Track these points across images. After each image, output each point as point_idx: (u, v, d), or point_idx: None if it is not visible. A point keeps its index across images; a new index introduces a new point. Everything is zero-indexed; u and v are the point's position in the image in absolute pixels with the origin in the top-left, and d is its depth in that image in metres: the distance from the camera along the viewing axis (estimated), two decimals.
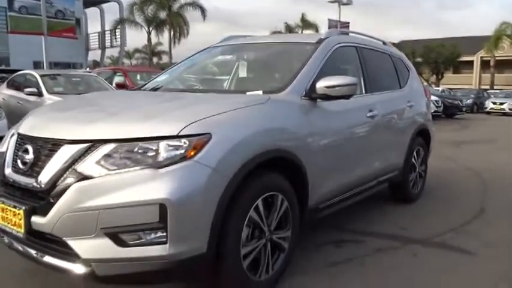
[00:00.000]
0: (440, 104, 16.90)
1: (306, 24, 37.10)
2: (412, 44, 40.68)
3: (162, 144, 2.00)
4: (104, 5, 30.51)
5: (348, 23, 27.35)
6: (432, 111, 16.27)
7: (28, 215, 2.05)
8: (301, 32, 36.93)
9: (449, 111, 18.06)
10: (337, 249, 3.16)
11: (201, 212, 1.99)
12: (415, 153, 4.34)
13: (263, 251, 2.38)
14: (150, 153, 1.99)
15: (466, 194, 4.91)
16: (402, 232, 3.56)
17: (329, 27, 25.81)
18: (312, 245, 3.19)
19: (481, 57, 43.04)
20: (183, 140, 2.02)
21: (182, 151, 1.99)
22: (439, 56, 37.98)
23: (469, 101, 23.38)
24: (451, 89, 27.64)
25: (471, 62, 44.00)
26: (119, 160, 1.98)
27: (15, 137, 2.40)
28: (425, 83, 30.04)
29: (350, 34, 3.91)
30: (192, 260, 1.99)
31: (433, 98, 16.75)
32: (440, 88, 25.90)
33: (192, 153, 1.99)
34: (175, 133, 2.02)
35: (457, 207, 4.35)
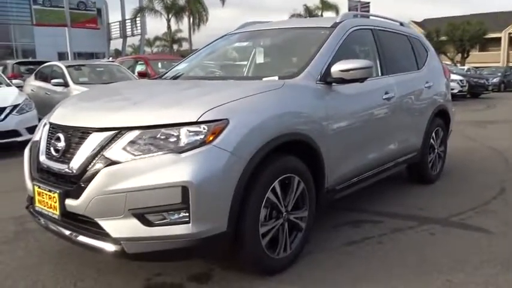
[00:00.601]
0: (465, 84, 16.55)
1: (325, 5, 36.47)
2: (436, 22, 39.55)
3: (183, 130, 2.12)
4: None
5: (369, 3, 26.81)
6: (456, 91, 16.07)
7: (62, 198, 2.22)
8: (321, 13, 36.39)
9: (474, 90, 17.65)
10: (355, 229, 3.24)
11: (221, 193, 2.11)
12: (433, 134, 4.35)
13: (281, 230, 2.49)
14: (172, 139, 2.12)
15: (486, 173, 4.88)
16: (420, 212, 3.61)
17: (349, 8, 25.35)
18: (330, 225, 3.28)
19: (509, 33, 41.51)
20: (202, 125, 2.13)
21: (202, 136, 2.11)
22: (465, 34, 36.74)
23: (496, 80, 22.71)
24: (477, 67, 26.88)
25: (498, 39, 42.42)
26: (143, 146, 2.12)
27: (47, 126, 2.58)
28: (449, 62, 29.28)
29: (366, 17, 3.91)
30: (213, 238, 2.12)
31: (457, 77, 16.43)
32: (465, 67, 25.22)
33: (211, 138, 2.11)
34: (194, 119, 2.14)
35: (477, 187, 4.35)
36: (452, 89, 15.20)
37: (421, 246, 2.93)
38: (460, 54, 39.55)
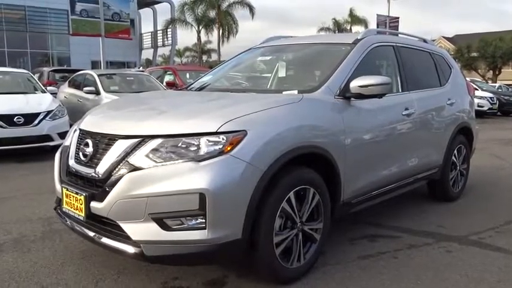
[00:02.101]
0: (495, 101, 16.20)
1: (354, 19, 36.43)
2: (467, 38, 38.77)
3: (203, 140, 2.23)
4: (157, 6, 31.77)
5: (398, 18, 26.65)
6: (486, 108, 15.71)
7: (88, 201, 2.35)
8: (350, 28, 36.35)
9: (505, 108, 17.28)
10: (371, 243, 3.25)
11: (236, 201, 2.19)
12: (455, 151, 4.31)
13: (295, 240, 2.54)
14: (192, 148, 2.22)
15: (510, 192, 4.78)
16: (439, 229, 3.58)
17: (377, 23, 25.29)
18: (346, 238, 3.30)
19: None
20: (221, 136, 2.23)
21: (220, 146, 2.21)
22: (497, 50, 35.79)
23: None
24: (509, 85, 26.15)
25: None
26: (165, 154, 2.23)
27: (77, 132, 2.74)
28: (480, 79, 28.60)
29: (388, 33, 3.96)
30: (228, 245, 2.19)
31: (487, 94, 16.10)
32: (496, 84, 24.61)
33: (229, 148, 2.20)
34: (214, 130, 2.24)
35: (500, 206, 4.27)
36: (482, 107, 15.21)
37: (437, 263, 2.92)
38: (491, 71, 38.53)
